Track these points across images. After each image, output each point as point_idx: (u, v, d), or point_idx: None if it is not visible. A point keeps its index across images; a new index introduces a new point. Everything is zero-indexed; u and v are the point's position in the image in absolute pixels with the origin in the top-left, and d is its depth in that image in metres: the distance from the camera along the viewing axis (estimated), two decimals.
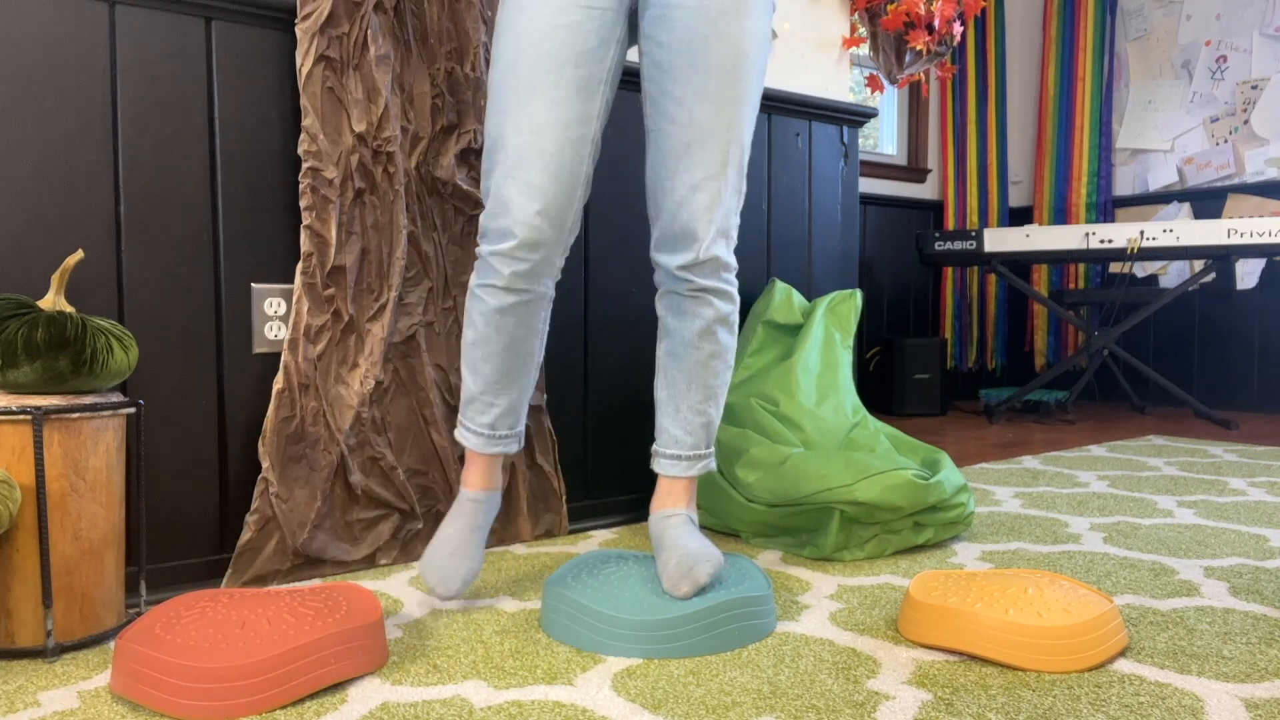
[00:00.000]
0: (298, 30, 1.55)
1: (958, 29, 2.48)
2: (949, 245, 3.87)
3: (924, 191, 4.77)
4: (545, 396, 1.90)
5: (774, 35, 2.27)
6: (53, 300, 1.31)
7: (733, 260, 1.42)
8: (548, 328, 1.49)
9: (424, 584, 1.52)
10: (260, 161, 1.59)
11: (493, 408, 1.46)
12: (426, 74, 1.71)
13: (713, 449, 1.48)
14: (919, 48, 2.45)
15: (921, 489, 1.70)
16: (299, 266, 1.58)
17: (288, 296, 1.63)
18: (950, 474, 1.80)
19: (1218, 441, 3.23)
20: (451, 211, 1.77)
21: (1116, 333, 3.74)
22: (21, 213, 1.39)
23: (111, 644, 1.29)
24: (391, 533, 1.70)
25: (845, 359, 2.10)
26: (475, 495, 1.49)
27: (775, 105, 2.27)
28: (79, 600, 1.27)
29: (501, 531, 1.85)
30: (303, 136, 1.57)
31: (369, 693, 1.13)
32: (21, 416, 1.22)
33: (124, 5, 1.45)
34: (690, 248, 1.38)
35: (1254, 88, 4.19)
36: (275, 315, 1.61)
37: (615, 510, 2.06)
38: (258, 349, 1.60)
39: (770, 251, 2.31)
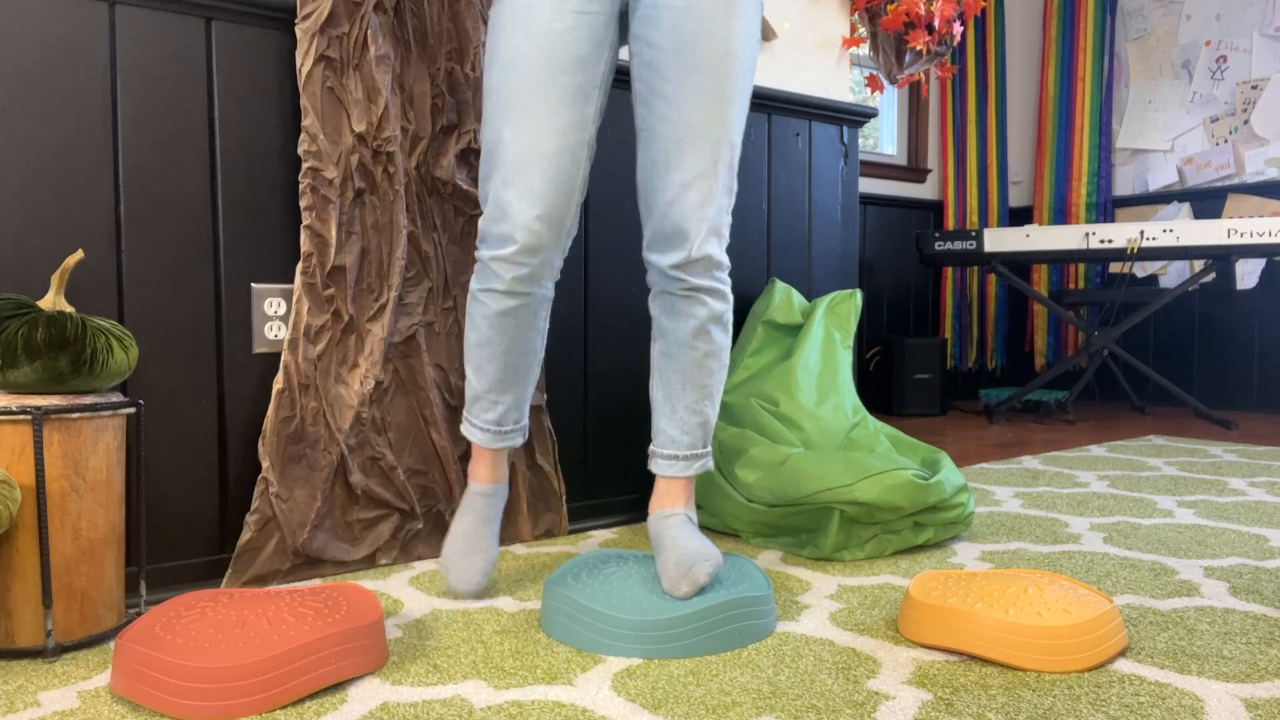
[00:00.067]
0: (298, 30, 1.55)
1: (958, 29, 2.48)
2: (949, 245, 3.87)
3: (924, 191, 4.77)
4: (545, 396, 1.90)
5: (774, 35, 2.27)
6: (53, 300, 1.31)
7: (725, 259, 1.43)
8: (548, 325, 1.52)
9: (445, 583, 1.53)
10: (260, 161, 1.59)
11: (497, 405, 1.51)
12: (426, 74, 1.71)
13: (710, 448, 1.49)
14: (919, 48, 2.45)
15: (921, 489, 1.70)
16: (299, 266, 1.58)
17: (288, 296, 1.63)
18: (950, 474, 1.80)
19: (1218, 441, 3.23)
20: (451, 211, 1.77)
21: (1116, 333, 3.74)
22: (21, 213, 1.39)
23: (111, 644, 1.29)
24: (391, 533, 1.70)
25: (845, 359, 2.10)
26: (484, 489, 1.54)
27: (775, 105, 2.27)
28: (79, 600, 1.27)
29: (501, 531, 1.85)
30: (303, 136, 1.57)
31: (369, 693, 1.13)
32: (21, 416, 1.22)
33: (124, 5, 1.45)
34: (682, 246, 1.39)
35: (1254, 88, 4.19)
36: (275, 315, 1.61)
37: (615, 510, 2.06)
38: (258, 349, 1.60)
39: (770, 251, 2.31)
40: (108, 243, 1.45)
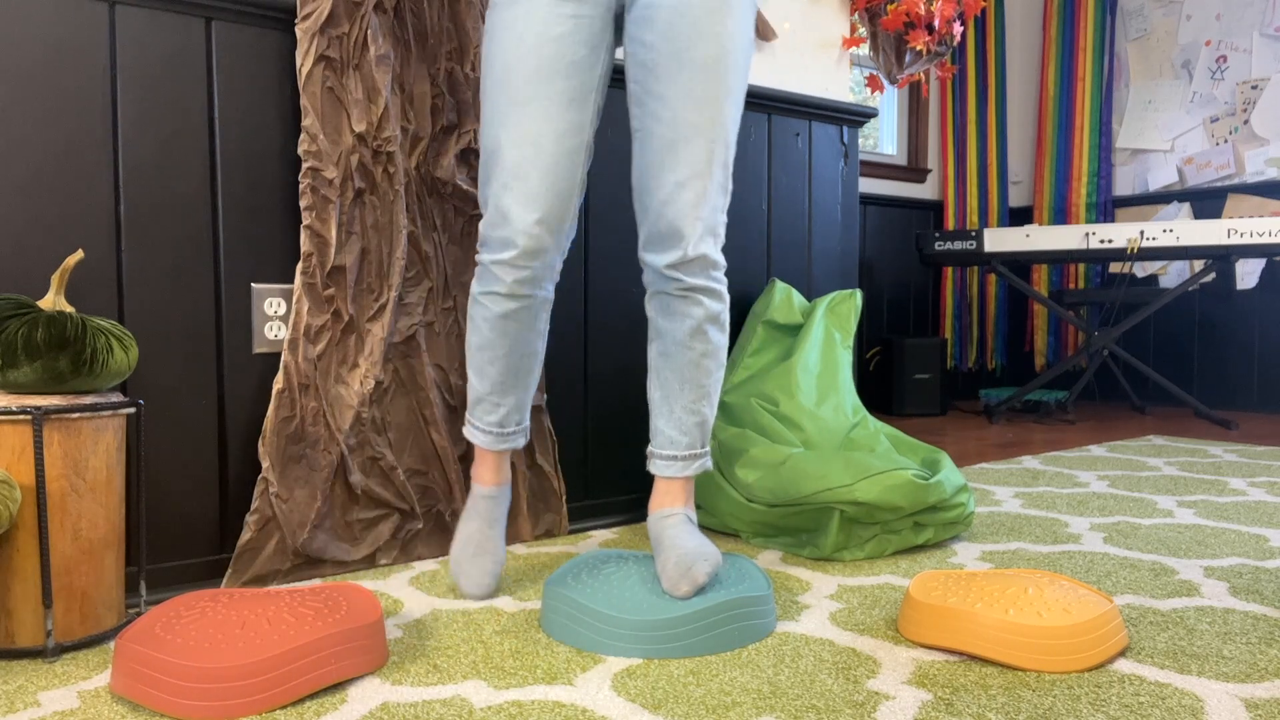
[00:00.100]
0: (298, 30, 1.55)
1: (958, 29, 2.48)
2: (949, 245, 3.87)
3: (924, 191, 4.77)
4: (545, 396, 1.90)
5: (774, 35, 2.27)
6: (53, 300, 1.31)
7: (721, 258, 1.43)
8: (548, 328, 1.53)
9: (454, 588, 1.54)
10: (260, 161, 1.59)
11: (500, 407, 1.52)
12: (426, 74, 1.71)
13: (708, 448, 1.49)
14: (919, 48, 2.45)
15: (921, 489, 1.70)
16: (299, 266, 1.58)
17: (288, 296, 1.63)
18: (950, 474, 1.80)
19: (1218, 441, 3.23)
20: (451, 211, 1.77)
21: (1116, 333, 3.74)
22: (21, 213, 1.39)
23: (111, 644, 1.29)
24: (391, 533, 1.70)
25: (845, 359, 2.10)
26: (489, 491, 1.56)
27: (775, 105, 2.27)
28: (79, 600, 1.27)
29: None
30: (303, 136, 1.57)
31: (369, 693, 1.13)
32: (21, 416, 1.22)
33: (124, 5, 1.45)
34: (677, 246, 1.39)
35: (1254, 88, 4.19)
36: (275, 315, 1.61)
37: (615, 510, 2.06)
38: (258, 349, 1.60)
39: (770, 251, 2.31)
40: (108, 243, 1.45)
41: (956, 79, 4.67)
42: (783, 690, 1.14)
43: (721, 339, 1.45)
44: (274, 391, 1.56)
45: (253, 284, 1.59)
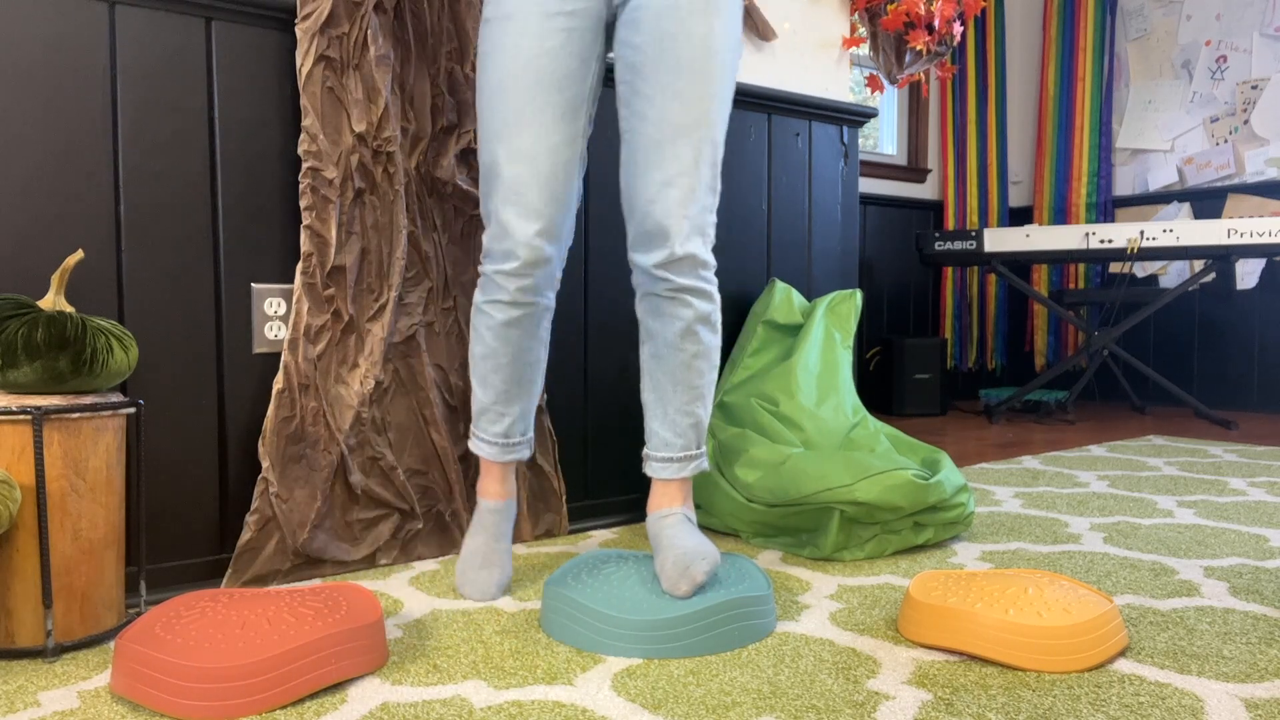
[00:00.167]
0: (298, 30, 1.55)
1: (958, 29, 2.48)
2: (949, 245, 3.87)
3: (924, 191, 4.77)
4: (545, 396, 1.90)
5: (774, 35, 2.27)
6: (53, 300, 1.31)
7: (710, 258, 1.43)
8: (549, 336, 1.53)
9: (457, 589, 1.54)
10: (260, 161, 1.59)
11: (504, 417, 1.53)
12: (426, 74, 1.71)
13: (704, 448, 1.49)
14: (919, 48, 2.45)
15: (921, 489, 1.70)
16: (299, 266, 1.58)
17: (288, 296, 1.63)
18: (950, 474, 1.80)
19: (1218, 441, 3.23)
20: (451, 211, 1.77)
21: (1116, 333, 3.74)
22: (21, 213, 1.39)
23: (111, 644, 1.29)
24: (391, 533, 1.70)
25: (845, 359, 2.10)
26: (495, 505, 1.56)
27: (775, 105, 2.27)
28: (79, 600, 1.27)
29: None
30: (303, 136, 1.57)
31: (369, 693, 1.13)
32: (21, 416, 1.22)
33: (124, 5, 1.45)
34: (664, 245, 1.39)
35: (1254, 88, 4.19)
36: (275, 315, 1.61)
37: (615, 510, 2.06)
38: (258, 349, 1.60)
39: (770, 251, 2.31)
40: (108, 243, 1.45)
41: (956, 79, 4.67)
42: (783, 690, 1.14)
43: (713, 339, 1.45)
44: (274, 391, 1.56)
45: (253, 284, 1.59)
